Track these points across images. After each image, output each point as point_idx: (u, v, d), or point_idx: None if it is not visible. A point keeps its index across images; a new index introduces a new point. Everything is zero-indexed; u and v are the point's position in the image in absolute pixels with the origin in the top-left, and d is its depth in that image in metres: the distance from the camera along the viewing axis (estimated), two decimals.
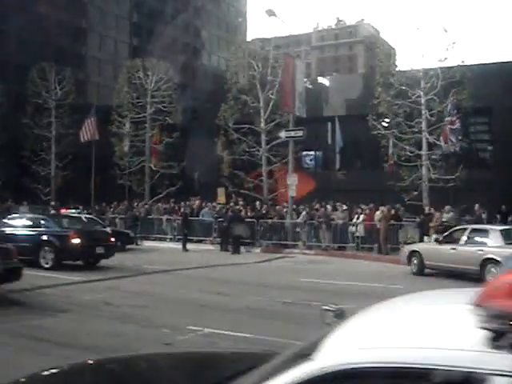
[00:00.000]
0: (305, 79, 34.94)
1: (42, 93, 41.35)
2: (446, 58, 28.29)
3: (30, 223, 19.09)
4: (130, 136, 37.40)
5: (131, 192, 37.20)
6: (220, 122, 32.93)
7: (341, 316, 2.99)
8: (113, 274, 16.66)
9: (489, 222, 23.50)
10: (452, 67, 28.12)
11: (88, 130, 37.48)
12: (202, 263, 20.76)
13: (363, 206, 26.82)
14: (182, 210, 28.33)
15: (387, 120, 30.45)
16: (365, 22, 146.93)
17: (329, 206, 27.26)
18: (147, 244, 29.17)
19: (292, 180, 26.91)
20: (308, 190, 31.98)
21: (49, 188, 41.62)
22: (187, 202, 30.50)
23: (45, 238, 18.00)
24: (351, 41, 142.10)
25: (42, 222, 19.10)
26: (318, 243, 26.41)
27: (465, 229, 18.24)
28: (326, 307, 3.16)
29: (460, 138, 27.52)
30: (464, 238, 17.43)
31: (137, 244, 28.50)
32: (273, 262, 22.80)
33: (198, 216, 28.91)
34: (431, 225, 23.48)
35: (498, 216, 26.03)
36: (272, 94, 33.08)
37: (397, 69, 31.66)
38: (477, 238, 17.21)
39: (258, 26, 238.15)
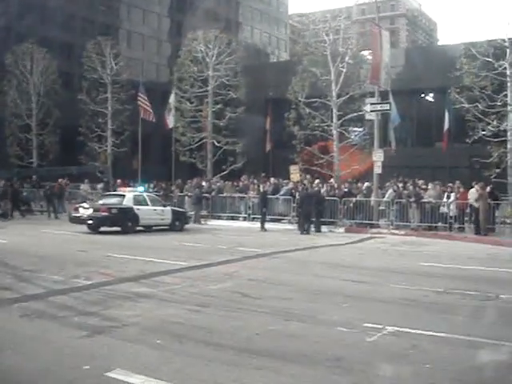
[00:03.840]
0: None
1: (97, 68, 40.13)
2: None
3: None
4: (192, 111, 36.03)
5: (193, 169, 36.06)
6: (290, 95, 31.39)
7: None
8: (214, 258, 15.31)
9: None
10: None
11: (146, 109, 36.43)
12: (294, 245, 19.41)
13: (451, 184, 25.24)
14: (262, 187, 26.93)
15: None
16: None
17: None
18: (218, 223, 28.05)
19: (378, 156, 25.32)
20: (364, 167, 30.57)
21: (106, 165, 40.52)
22: (267, 180, 29.12)
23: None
24: (393, 14, 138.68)
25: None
26: (404, 223, 24.79)
27: None
28: None
29: None
30: None
31: (199, 223, 27.52)
32: (365, 243, 21.39)
33: (274, 194, 27.44)
34: None
35: None
36: (343, 67, 31.43)
37: (439, 42, 30.08)
38: None
39: (299, 1, 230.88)
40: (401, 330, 8.04)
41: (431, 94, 43.27)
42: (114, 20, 67.99)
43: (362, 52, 33.16)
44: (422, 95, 43.27)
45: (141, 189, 26.80)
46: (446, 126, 34.17)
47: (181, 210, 26.62)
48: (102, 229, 22.81)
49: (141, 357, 6.76)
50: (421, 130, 43.68)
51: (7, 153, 42.21)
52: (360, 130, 36.87)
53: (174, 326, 8.18)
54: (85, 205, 23.86)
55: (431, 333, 7.88)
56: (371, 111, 26.08)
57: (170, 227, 24.34)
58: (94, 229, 22.64)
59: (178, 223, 24.91)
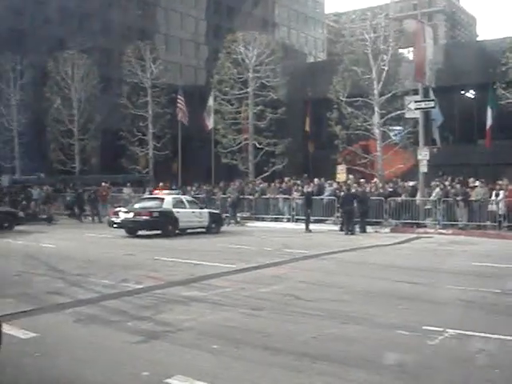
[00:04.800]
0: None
1: (137, 72, 40.38)
2: None
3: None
4: (233, 113, 35.98)
5: (234, 171, 36.00)
6: (331, 95, 31.07)
7: None
8: (262, 260, 15.14)
9: None
10: None
11: (182, 112, 36.60)
12: (340, 246, 19.10)
13: (500, 182, 24.65)
14: (306, 188, 26.71)
15: None
16: None
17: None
18: (262, 224, 27.95)
19: (423, 155, 24.86)
20: (406, 166, 30.06)
21: (147, 169, 40.82)
22: (311, 181, 28.89)
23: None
24: (431, 11, 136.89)
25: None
26: (452, 222, 24.29)
27: None
28: None
29: None
30: None
31: (237, 223, 27.92)
32: (413, 243, 21.03)
33: (318, 195, 27.18)
34: None
35: None
36: (384, 65, 31.00)
37: (478, 38, 29.43)
38: None
39: (335, 1, 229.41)
40: (463, 332, 7.75)
41: (471, 91, 42.41)
42: (151, 24, 68.51)
43: (402, 50, 32.66)
44: (462, 92, 42.38)
45: (177, 191, 26.56)
46: (489, 122, 33.39)
47: (216, 212, 26.50)
48: (140, 232, 22.83)
49: (199, 362, 6.61)
50: (462, 128, 42.89)
51: (50, 158, 42.71)
52: (399, 128, 36.25)
53: (229, 331, 8.01)
54: (123, 209, 23.72)
55: (497, 336, 7.57)
56: (416, 109, 25.60)
57: (206, 230, 24.25)
58: (133, 232, 22.66)
59: (215, 225, 24.76)
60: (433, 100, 25.19)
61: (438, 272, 13.68)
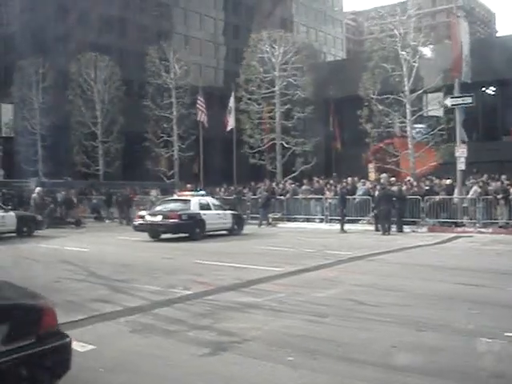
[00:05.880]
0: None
1: (161, 73, 39.99)
2: None
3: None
4: (260, 113, 35.45)
5: (259, 171, 35.50)
6: (361, 92, 30.45)
7: None
8: (308, 262, 14.58)
9: None
10: None
11: (202, 113, 36.23)
12: (382, 246, 18.54)
13: None
14: (339, 188, 26.11)
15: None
16: None
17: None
18: (294, 225, 27.41)
19: (461, 152, 24.14)
20: (430, 163, 29.37)
21: (172, 170, 40.41)
22: (344, 180, 28.29)
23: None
24: (449, 7, 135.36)
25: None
26: (491, 220, 23.56)
27: None
28: None
29: None
30: None
31: (268, 224, 27.26)
32: (455, 243, 20.38)
33: (352, 194, 26.55)
34: None
35: None
36: (415, 62, 30.33)
37: (497, 34, 28.80)
38: None
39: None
40: None
41: (492, 88, 41.61)
42: (169, 25, 68.15)
43: (430, 45, 31.95)
44: (483, 88, 41.53)
45: (202, 193, 25.84)
46: None
47: (238, 213, 25.94)
48: (163, 236, 22.12)
49: (279, 377, 6.08)
50: (486, 124, 42.23)
51: (74, 161, 42.41)
52: (422, 126, 35.44)
53: (298, 340, 7.47)
54: (148, 212, 22.96)
55: None
56: (452, 105, 24.87)
57: (229, 231, 23.68)
58: (156, 236, 21.93)
59: (237, 227, 24.20)
60: (471, 95, 24.39)
61: (494, 273, 13.05)
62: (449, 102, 25.26)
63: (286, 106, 34.64)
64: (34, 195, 27.90)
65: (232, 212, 24.75)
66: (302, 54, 35.72)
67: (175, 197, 24.94)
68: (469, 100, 24.37)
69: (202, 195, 24.81)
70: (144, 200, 33.58)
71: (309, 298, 10.14)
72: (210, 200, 24.26)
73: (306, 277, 12.59)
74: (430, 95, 31.29)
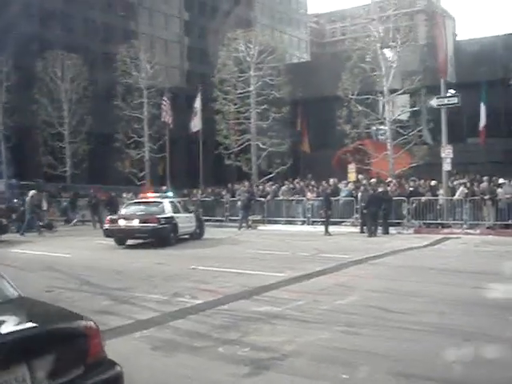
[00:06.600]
0: None
1: (132, 73, 38.96)
2: None
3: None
4: (235, 113, 34.72)
5: (238, 173, 34.84)
6: (340, 93, 29.95)
7: None
8: (308, 267, 13.95)
9: None
10: None
11: (167, 113, 35.56)
12: (376, 249, 17.97)
13: None
14: (322, 189, 25.58)
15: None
16: None
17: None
18: (275, 228, 26.77)
19: (447, 153, 23.81)
20: (406, 164, 29.10)
21: (143, 172, 39.37)
22: (324, 182, 27.73)
23: None
24: (411, 10, 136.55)
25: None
26: (477, 221, 23.29)
27: None
28: None
29: None
30: None
31: (248, 226, 26.74)
32: (446, 245, 20.03)
33: (334, 196, 25.99)
34: None
35: None
36: (393, 62, 29.97)
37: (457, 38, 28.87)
38: None
39: (316, 1, 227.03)
40: None
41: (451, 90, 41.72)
42: (135, 25, 66.96)
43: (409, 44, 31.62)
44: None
45: (170, 194, 23.95)
46: (483, 121, 32.40)
47: (200, 215, 24.64)
48: (129, 242, 20.64)
49: None
50: (450, 127, 42.30)
51: (40, 162, 40.96)
52: (385, 128, 35.08)
53: (342, 354, 6.85)
54: (118, 215, 21.17)
55: None
56: (438, 105, 24.51)
57: (190, 236, 22.05)
58: (123, 242, 20.38)
59: (199, 230, 22.73)
60: (456, 96, 24.09)
61: (507, 277, 12.59)
62: (435, 102, 24.90)
63: (263, 107, 33.86)
64: (28, 198, 26.61)
65: (196, 214, 23.50)
66: (277, 54, 35.00)
67: (141, 199, 22.94)
68: (454, 100, 24.06)
69: (170, 197, 23.00)
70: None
71: (331, 307, 9.51)
72: (177, 201, 22.79)
73: (315, 282, 11.96)
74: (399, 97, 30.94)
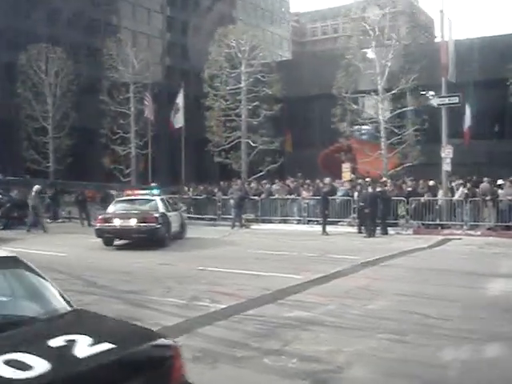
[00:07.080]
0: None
1: (118, 67, 38.18)
2: None
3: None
4: (225, 110, 34.12)
5: (227, 170, 34.27)
6: (335, 91, 29.54)
7: None
8: (321, 268, 13.47)
9: None
10: None
11: (149, 109, 34.98)
12: (381, 250, 17.57)
13: None
14: (320, 187, 25.09)
15: None
16: None
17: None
18: (269, 227, 26.24)
19: (447, 153, 23.48)
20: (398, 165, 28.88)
21: (130, 168, 38.60)
22: (319, 181, 27.26)
23: None
24: (392, 11, 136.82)
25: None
26: (477, 222, 23.00)
27: None
28: None
29: None
30: None
31: (242, 225, 26.08)
32: (450, 245, 19.67)
33: (331, 195, 25.51)
34: None
35: None
36: (387, 61, 29.65)
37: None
38: None
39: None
40: None
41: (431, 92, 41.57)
42: (118, 19, 65.98)
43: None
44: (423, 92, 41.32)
45: (156, 192, 22.25)
46: (468, 123, 32.22)
47: (183, 214, 23.47)
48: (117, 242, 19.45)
49: None
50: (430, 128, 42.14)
51: (23, 157, 39.97)
52: (368, 128, 34.77)
53: (398, 365, 6.43)
54: (111, 213, 19.54)
55: None
56: (439, 105, 24.14)
57: (173, 235, 20.41)
58: (110, 242, 19.10)
59: (181, 230, 21.48)
60: (457, 95, 23.74)
61: None
62: (435, 101, 24.52)
63: (254, 104, 33.29)
64: (33, 194, 25.72)
65: (180, 212, 22.55)
66: (268, 50, 34.54)
67: (130, 196, 21.68)
68: (455, 100, 23.72)
69: (157, 194, 21.54)
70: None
71: (363, 312, 9.04)
72: (166, 199, 21.70)
73: (336, 285, 11.48)
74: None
